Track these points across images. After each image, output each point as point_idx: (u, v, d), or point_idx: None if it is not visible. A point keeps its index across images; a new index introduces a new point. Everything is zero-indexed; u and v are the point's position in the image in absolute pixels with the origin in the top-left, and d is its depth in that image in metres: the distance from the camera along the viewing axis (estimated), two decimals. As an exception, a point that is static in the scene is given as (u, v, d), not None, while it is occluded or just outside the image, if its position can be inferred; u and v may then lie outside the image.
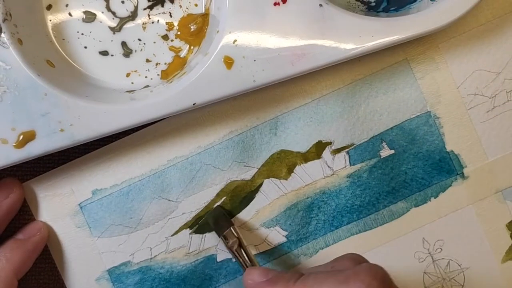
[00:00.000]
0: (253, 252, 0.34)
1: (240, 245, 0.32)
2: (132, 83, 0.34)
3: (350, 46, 0.30)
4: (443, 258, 0.35)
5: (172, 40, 0.34)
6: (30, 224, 0.33)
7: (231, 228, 0.32)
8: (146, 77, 0.34)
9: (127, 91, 0.33)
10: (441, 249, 0.35)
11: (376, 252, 0.35)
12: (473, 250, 0.35)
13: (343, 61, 0.31)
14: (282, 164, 0.34)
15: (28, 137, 0.30)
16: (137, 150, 0.34)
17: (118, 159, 0.34)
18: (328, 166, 0.34)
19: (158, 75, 0.34)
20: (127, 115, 0.30)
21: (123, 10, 0.33)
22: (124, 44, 0.34)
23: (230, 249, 0.32)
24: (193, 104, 0.30)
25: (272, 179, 0.34)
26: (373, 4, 0.34)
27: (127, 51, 0.34)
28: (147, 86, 0.33)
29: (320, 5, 0.30)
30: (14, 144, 0.30)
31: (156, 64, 0.34)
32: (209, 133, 0.34)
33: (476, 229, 0.35)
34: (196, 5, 0.34)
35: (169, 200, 0.34)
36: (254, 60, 0.30)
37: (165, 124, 0.34)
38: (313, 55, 0.30)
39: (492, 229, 0.35)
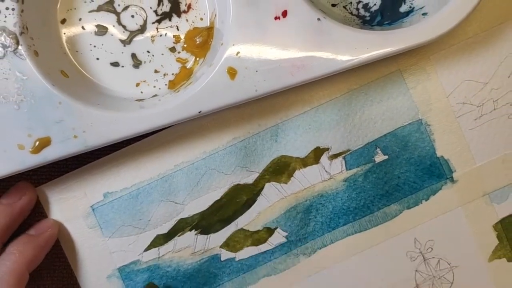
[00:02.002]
0: (255, 252, 0.36)
1: None
2: (141, 92, 0.35)
3: (346, 58, 0.31)
4: (433, 257, 0.37)
5: (179, 52, 0.35)
6: (42, 222, 0.35)
7: None
8: (154, 86, 0.35)
9: (137, 100, 0.34)
10: (432, 249, 0.37)
11: (370, 251, 0.36)
12: (462, 250, 0.37)
13: (340, 71, 0.32)
14: (283, 168, 0.36)
15: (44, 143, 0.31)
16: (146, 155, 0.35)
17: (128, 164, 0.35)
18: (326, 171, 0.36)
19: (165, 85, 0.35)
20: (137, 122, 0.32)
21: (133, 24, 0.35)
22: (134, 55, 0.35)
23: None
24: (199, 112, 0.31)
25: (273, 183, 0.36)
26: (368, 18, 0.35)
27: (136, 62, 0.35)
28: (156, 95, 0.34)
29: (318, 19, 0.31)
30: (30, 149, 0.31)
31: (164, 75, 0.35)
32: (214, 140, 0.35)
33: (464, 229, 0.37)
34: (201, 19, 0.35)
35: (176, 203, 0.36)
36: (256, 71, 0.31)
37: (172, 131, 0.35)
38: (311, 66, 0.32)
39: (479, 230, 0.37)
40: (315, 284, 0.37)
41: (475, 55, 0.35)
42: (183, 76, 0.35)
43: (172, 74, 0.35)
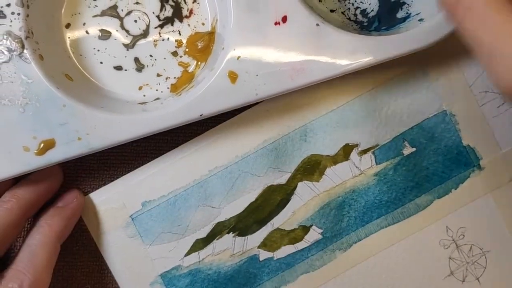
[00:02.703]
0: (292, 250, 0.37)
1: None
2: (144, 95, 0.35)
3: (344, 62, 0.32)
4: (466, 244, 0.38)
5: (181, 56, 0.35)
6: (67, 193, 0.36)
7: None
8: (157, 90, 0.35)
9: (139, 103, 0.34)
10: (464, 236, 0.38)
11: (404, 242, 0.37)
12: (493, 235, 0.38)
13: (338, 76, 0.32)
14: (314, 167, 0.37)
15: (48, 145, 0.31)
16: (180, 163, 0.36)
17: (163, 172, 0.36)
18: (356, 167, 0.37)
19: (168, 88, 0.35)
20: (139, 125, 0.32)
21: (136, 29, 0.35)
22: (136, 59, 0.35)
23: None
24: (200, 115, 0.32)
25: (305, 181, 0.37)
26: (365, 23, 0.36)
27: (139, 66, 0.35)
28: (158, 98, 0.35)
29: (317, 24, 0.32)
30: (35, 151, 0.31)
31: (166, 78, 0.35)
32: (245, 144, 0.36)
33: (494, 215, 0.38)
34: (203, 24, 0.35)
35: (212, 207, 0.37)
36: (257, 75, 0.32)
37: (203, 138, 0.36)
38: (310, 70, 0.32)
39: (509, 214, 0.37)
40: (352, 278, 0.38)
41: (494, 44, 0.36)
42: (185, 80, 0.35)
43: (174, 77, 0.35)
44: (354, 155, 0.37)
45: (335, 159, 0.37)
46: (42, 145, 0.32)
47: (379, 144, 0.37)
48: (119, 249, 0.36)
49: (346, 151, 0.37)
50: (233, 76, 0.32)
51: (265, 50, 0.32)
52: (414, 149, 0.37)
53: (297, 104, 0.36)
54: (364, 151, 0.37)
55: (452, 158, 0.37)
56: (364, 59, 0.32)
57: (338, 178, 0.37)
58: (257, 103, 0.36)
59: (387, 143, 0.37)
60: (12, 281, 0.31)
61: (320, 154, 0.37)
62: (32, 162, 0.32)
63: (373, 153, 0.37)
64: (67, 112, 0.31)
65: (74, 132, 0.32)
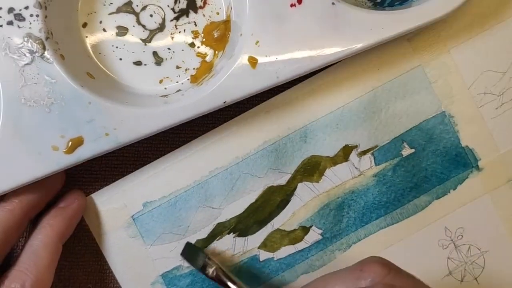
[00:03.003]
0: (292, 251, 0.38)
1: (222, 271, 0.34)
2: (165, 88, 0.36)
3: (363, 39, 0.32)
4: (464, 244, 0.38)
5: (198, 47, 0.36)
6: (68, 193, 0.36)
7: (207, 258, 0.35)
8: (177, 82, 0.36)
9: (161, 96, 0.35)
10: (462, 236, 0.38)
11: (403, 243, 0.38)
12: (491, 235, 0.38)
13: (358, 53, 0.33)
14: (313, 168, 0.37)
15: (77, 142, 0.32)
16: (180, 164, 0.36)
17: (164, 173, 0.36)
18: (355, 168, 0.37)
19: (188, 79, 0.36)
20: (163, 117, 0.32)
21: (152, 23, 0.36)
22: (155, 53, 0.36)
23: (212, 278, 0.34)
24: (224, 103, 0.32)
25: (305, 182, 0.37)
26: (378, 0, 0.36)
27: (158, 60, 0.36)
28: (179, 90, 0.35)
29: (333, 3, 0.32)
30: (64, 150, 0.32)
31: (186, 70, 0.36)
32: (245, 145, 0.37)
33: (492, 215, 0.38)
34: (217, 13, 0.36)
35: (213, 208, 0.37)
36: (276, 58, 0.32)
37: (204, 139, 0.36)
38: (329, 49, 0.32)
39: (507, 214, 0.38)
40: (352, 277, 0.38)
41: (492, 46, 0.37)
42: (204, 70, 0.36)
43: (194, 68, 0.36)
44: (353, 156, 0.37)
45: (334, 160, 0.37)
46: (70, 143, 0.32)
47: (378, 145, 0.37)
48: (121, 249, 0.37)
49: (345, 152, 0.37)
50: (253, 61, 0.32)
51: (283, 33, 0.32)
52: (413, 150, 0.37)
53: (297, 105, 0.37)
54: (364, 152, 0.37)
55: (451, 159, 0.37)
56: (381, 35, 0.32)
57: (338, 179, 0.37)
58: (257, 104, 0.36)
59: (386, 144, 0.37)
60: (15, 281, 0.31)
61: (319, 155, 0.37)
62: (61, 160, 0.32)
63: (373, 154, 0.37)
64: (93, 109, 0.32)
65: (101, 128, 0.32)
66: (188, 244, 0.36)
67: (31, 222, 0.35)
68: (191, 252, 0.36)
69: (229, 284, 0.34)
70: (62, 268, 0.37)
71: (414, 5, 0.34)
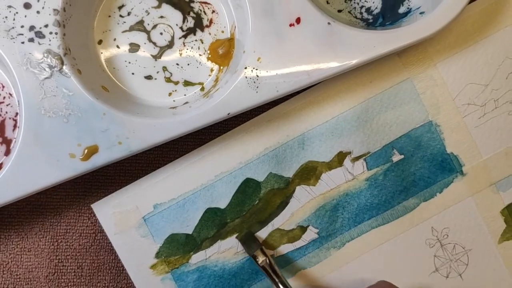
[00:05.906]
0: (290, 248, 0.40)
1: (270, 263, 0.36)
2: (174, 100, 0.38)
3: (356, 56, 0.35)
4: (449, 243, 0.41)
5: (204, 63, 0.38)
6: None
7: (260, 248, 0.37)
8: (185, 95, 0.38)
9: (170, 108, 0.37)
10: (448, 235, 0.41)
11: (393, 241, 0.40)
12: (474, 234, 0.41)
13: (351, 69, 0.35)
14: (310, 172, 0.40)
15: (92, 150, 0.34)
16: (188, 169, 0.39)
17: (173, 177, 0.39)
18: (349, 172, 0.40)
19: (195, 93, 0.38)
20: (172, 127, 0.35)
21: (162, 40, 0.38)
22: (165, 68, 0.38)
23: (261, 267, 0.36)
24: (228, 114, 0.35)
25: (303, 185, 0.40)
26: (371, 20, 0.39)
27: (167, 74, 0.38)
28: (187, 102, 0.37)
29: (329, 23, 0.34)
30: (80, 157, 0.34)
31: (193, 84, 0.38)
32: (248, 151, 0.39)
33: (475, 216, 0.40)
34: (222, 31, 0.38)
35: (218, 208, 0.40)
36: (276, 73, 0.34)
37: (209, 146, 0.39)
38: (325, 65, 0.35)
39: (489, 216, 0.40)
40: (345, 274, 0.41)
41: (476, 60, 0.39)
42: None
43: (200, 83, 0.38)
44: (347, 161, 0.40)
45: (330, 165, 0.40)
46: (86, 151, 0.34)
47: (370, 151, 0.40)
48: (132, 247, 0.39)
49: (340, 158, 0.40)
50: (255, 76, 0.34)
51: (283, 50, 0.34)
52: (402, 156, 0.40)
53: (295, 115, 0.39)
54: (357, 158, 0.40)
55: (437, 165, 0.40)
56: (374, 52, 0.34)
57: (333, 183, 0.40)
58: (258, 114, 0.39)
59: (378, 151, 0.40)
60: None
61: (316, 160, 0.40)
62: (78, 167, 0.34)
63: (365, 160, 0.40)
64: (108, 120, 0.34)
65: (115, 137, 0.34)
66: (248, 232, 0.39)
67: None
68: (248, 239, 0.38)
69: (273, 276, 0.36)
70: (83, 266, 0.40)
71: (404, 25, 0.36)
